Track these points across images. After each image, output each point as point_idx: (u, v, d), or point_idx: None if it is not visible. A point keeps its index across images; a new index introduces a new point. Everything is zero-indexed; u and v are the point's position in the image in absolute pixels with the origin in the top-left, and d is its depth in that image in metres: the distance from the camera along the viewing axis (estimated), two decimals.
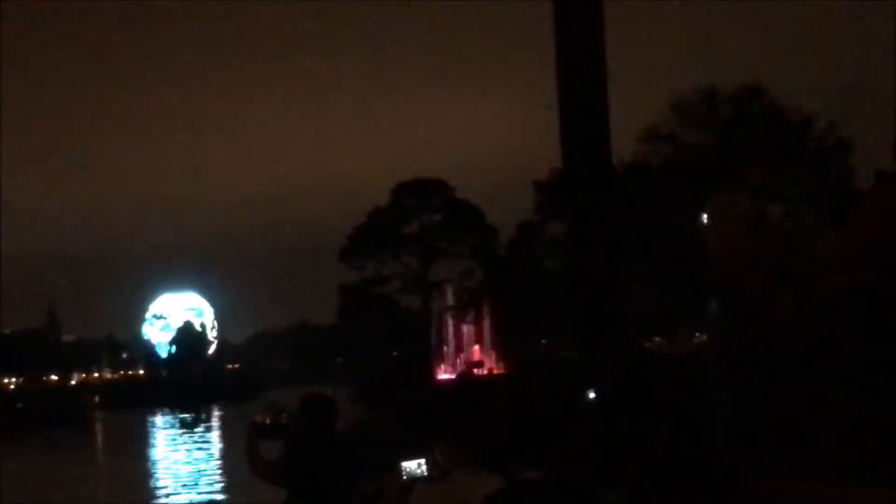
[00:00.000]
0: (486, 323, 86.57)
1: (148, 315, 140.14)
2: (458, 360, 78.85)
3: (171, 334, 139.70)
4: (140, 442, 63.05)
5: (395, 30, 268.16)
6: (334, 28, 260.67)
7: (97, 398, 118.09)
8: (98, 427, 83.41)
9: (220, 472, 38.24)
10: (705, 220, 16.61)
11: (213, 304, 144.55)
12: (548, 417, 8.98)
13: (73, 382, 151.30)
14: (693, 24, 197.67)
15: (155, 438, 66.88)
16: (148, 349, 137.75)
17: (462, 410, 9.64)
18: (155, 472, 41.78)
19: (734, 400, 12.18)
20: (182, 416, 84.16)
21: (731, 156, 60.88)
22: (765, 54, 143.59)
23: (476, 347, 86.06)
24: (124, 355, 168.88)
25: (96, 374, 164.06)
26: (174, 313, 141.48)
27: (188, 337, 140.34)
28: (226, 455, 41.03)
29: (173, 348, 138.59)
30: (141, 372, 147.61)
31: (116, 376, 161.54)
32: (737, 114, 63.65)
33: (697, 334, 72.77)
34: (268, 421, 8.94)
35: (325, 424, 8.59)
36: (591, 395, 9.89)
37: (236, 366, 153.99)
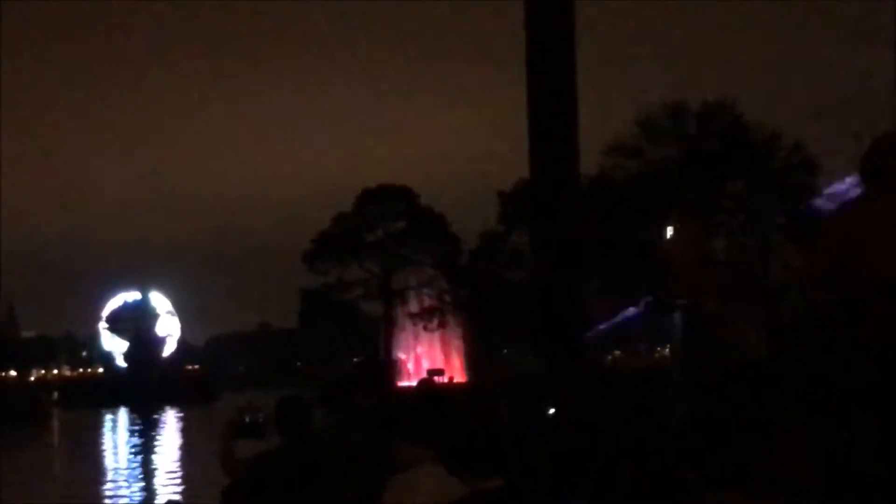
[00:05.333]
0: (448, 332, 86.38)
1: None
2: (418, 368, 78.67)
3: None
4: (101, 442, 62.64)
5: (362, 37, 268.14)
6: (302, 33, 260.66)
7: (55, 395, 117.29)
8: (55, 425, 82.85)
9: (185, 474, 37.75)
10: (669, 235, 16.66)
11: (175, 305, 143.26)
12: (509, 431, 9.03)
13: (31, 379, 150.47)
14: (662, 39, 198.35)
15: (116, 438, 66.42)
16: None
17: (423, 416, 9.68)
18: (116, 474, 41.29)
19: (692, 410, 12.23)
20: (142, 416, 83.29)
21: (697, 172, 61.05)
22: (735, 71, 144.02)
23: (437, 355, 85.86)
24: (84, 353, 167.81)
25: (55, 371, 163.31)
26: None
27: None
28: (191, 457, 40.57)
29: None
30: (100, 370, 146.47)
31: (75, 374, 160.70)
32: (703, 130, 63.73)
33: (658, 349, 73.05)
34: (247, 420, 9.02)
35: (302, 426, 8.59)
36: (551, 411, 10.01)
37: (196, 367, 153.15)
